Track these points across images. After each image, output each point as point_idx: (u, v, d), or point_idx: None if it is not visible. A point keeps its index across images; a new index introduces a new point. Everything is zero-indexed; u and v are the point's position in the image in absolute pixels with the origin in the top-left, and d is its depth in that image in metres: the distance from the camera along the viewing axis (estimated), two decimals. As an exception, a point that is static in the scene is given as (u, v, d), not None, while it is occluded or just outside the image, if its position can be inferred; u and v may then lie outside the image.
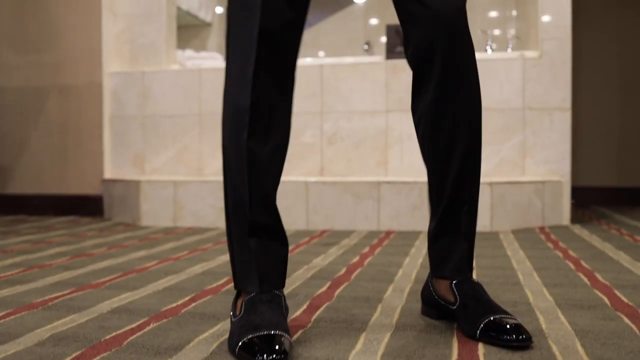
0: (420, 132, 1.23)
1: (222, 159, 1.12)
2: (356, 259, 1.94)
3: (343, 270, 1.74)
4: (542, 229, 2.63)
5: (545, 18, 2.78)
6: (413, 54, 1.19)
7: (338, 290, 1.48)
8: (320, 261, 1.90)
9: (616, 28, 3.85)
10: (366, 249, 2.13)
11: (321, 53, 4.09)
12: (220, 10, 4.00)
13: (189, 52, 3.26)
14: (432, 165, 1.23)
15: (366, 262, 1.88)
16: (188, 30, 3.83)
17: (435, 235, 1.23)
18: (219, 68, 3.06)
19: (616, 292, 1.43)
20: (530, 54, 2.85)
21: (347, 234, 2.55)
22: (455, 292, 1.17)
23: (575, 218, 2.90)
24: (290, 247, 2.18)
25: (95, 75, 3.18)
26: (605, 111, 3.86)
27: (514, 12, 3.85)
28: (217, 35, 3.96)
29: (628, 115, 3.85)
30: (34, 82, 3.26)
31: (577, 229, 2.61)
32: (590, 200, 3.80)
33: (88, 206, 3.18)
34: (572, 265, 1.78)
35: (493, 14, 3.92)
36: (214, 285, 1.56)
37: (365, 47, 3.89)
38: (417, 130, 1.25)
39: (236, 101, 1.07)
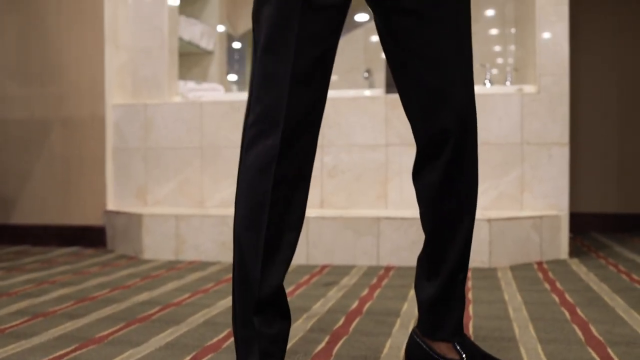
0: (423, 206, 1.27)
1: (234, 237, 1.14)
2: (355, 304, 1.96)
3: (342, 320, 1.77)
4: (540, 264, 2.66)
5: (543, 54, 2.81)
6: (423, 137, 1.23)
7: (336, 348, 1.51)
8: (319, 308, 1.93)
9: (615, 52, 3.88)
10: (365, 291, 2.16)
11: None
12: (222, 28, 4.04)
13: (190, 84, 3.30)
14: (433, 238, 1.27)
15: (365, 308, 1.91)
16: (190, 59, 3.87)
17: (434, 304, 1.26)
18: (220, 101, 3.09)
19: (609, 350, 1.45)
20: (529, 89, 2.88)
21: (347, 269, 2.58)
22: (460, 350, 1.24)
23: (574, 250, 2.92)
24: (290, 288, 2.22)
25: (98, 107, 3.22)
26: (604, 136, 3.89)
27: (512, 46, 3.88)
28: (219, 64, 4.00)
29: (628, 140, 3.87)
30: (38, 114, 3.30)
31: (575, 265, 2.63)
32: (590, 227, 3.82)
33: (91, 237, 3.21)
34: (567, 315, 1.80)
35: (492, 47, 3.95)
36: (215, 340, 1.59)
37: (366, 74, 3.92)
38: (419, 200, 1.28)
39: (254, 197, 1.10)
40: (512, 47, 3.90)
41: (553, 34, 2.80)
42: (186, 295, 2.12)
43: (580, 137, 3.85)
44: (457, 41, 1.21)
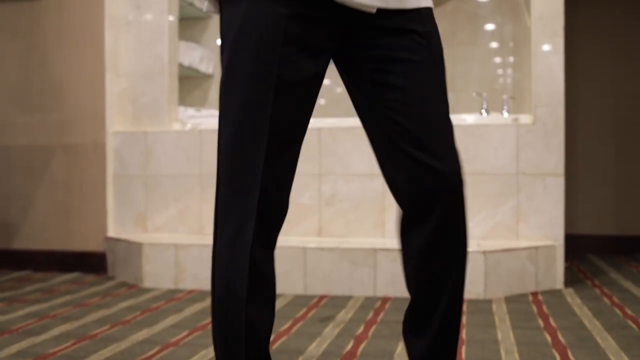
0: (409, 266, 1.28)
1: (212, 303, 1.17)
2: (350, 345, 2.00)
3: (336, 366, 1.80)
4: (535, 295, 2.69)
5: (539, 85, 2.84)
6: (407, 202, 1.24)
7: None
8: (314, 349, 1.96)
9: (612, 75, 3.90)
10: (361, 329, 2.19)
11: (322, 101, 4.15)
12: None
13: (190, 111, 3.33)
14: (418, 297, 1.28)
15: (359, 350, 1.94)
16: (189, 82, 3.91)
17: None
18: (219, 129, 3.12)
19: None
20: (524, 119, 2.91)
21: (344, 301, 2.61)
22: None
23: (569, 279, 2.95)
24: (287, 324, 2.26)
25: (99, 134, 3.26)
26: (602, 158, 3.92)
27: (510, 71, 3.91)
28: (218, 87, 4.03)
29: (625, 162, 3.90)
30: (39, 140, 3.34)
31: (570, 295, 2.66)
32: (588, 250, 3.85)
33: (92, 263, 3.25)
34: (558, 358, 1.83)
35: (490, 73, 3.98)
36: (211, 389, 1.62)
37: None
38: (403, 258, 1.30)
39: (228, 278, 1.12)
40: (510, 74, 3.92)
41: (548, 65, 2.83)
42: (185, 333, 2.15)
43: (577, 158, 3.87)
44: (443, 97, 1.22)
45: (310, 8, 1.10)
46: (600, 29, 3.92)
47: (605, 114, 3.92)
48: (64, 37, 3.31)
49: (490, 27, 3.99)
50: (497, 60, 3.97)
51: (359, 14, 1.13)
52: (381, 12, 1.14)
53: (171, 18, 3.31)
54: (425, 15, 1.20)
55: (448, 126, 1.21)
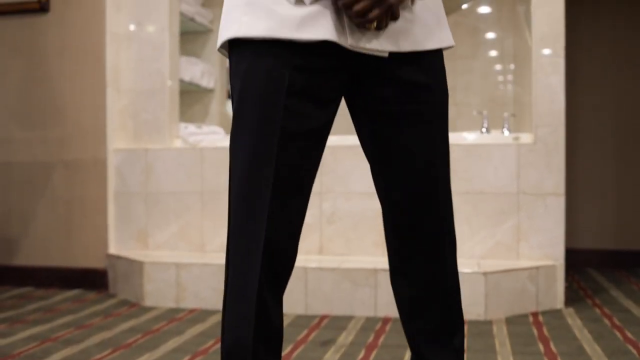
0: (402, 314, 1.29)
1: (221, 350, 1.17)
2: (351, 373, 2.00)
3: (337, 396, 1.80)
4: (535, 316, 2.69)
5: (539, 105, 2.84)
6: (393, 246, 1.26)
7: None
8: (316, 378, 1.96)
9: (613, 88, 3.91)
10: (362, 354, 2.19)
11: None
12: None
13: (191, 128, 3.33)
14: (418, 349, 1.28)
15: (360, 379, 1.95)
16: (190, 96, 3.91)
17: None
18: (220, 147, 3.13)
19: None
20: (525, 138, 2.91)
21: (345, 322, 2.62)
22: None
23: (570, 298, 2.95)
24: (288, 348, 2.26)
25: (99, 151, 3.26)
26: (602, 172, 3.92)
27: (510, 86, 3.91)
28: (219, 102, 4.03)
29: (626, 176, 3.90)
30: (40, 157, 3.34)
31: (570, 316, 2.67)
32: (588, 263, 3.85)
33: (93, 279, 3.26)
34: (559, 390, 1.84)
35: (489, 87, 3.98)
36: None
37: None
38: (397, 306, 1.30)
39: (237, 332, 1.12)
40: (511, 89, 3.93)
41: (549, 85, 2.83)
42: (186, 358, 2.15)
43: (578, 172, 3.88)
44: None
45: (317, 59, 1.10)
46: (601, 41, 3.92)
47: (606, 127, 3.92)
48: (65, 53, 3.32)
49: (491, 40, 3.99)
50: (498, 73, 3.97)
51: (369, 61, 1.13)
52: (391, 58, 1.13)
53: (172, 35, 3.32)
54: (436, 62, 1.19)
55: (443, 182, 1.22)
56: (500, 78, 3.97)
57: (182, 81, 3.51)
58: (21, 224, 3.38)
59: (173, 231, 3.22)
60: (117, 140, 3.32)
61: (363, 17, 1.05)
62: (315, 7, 1.07)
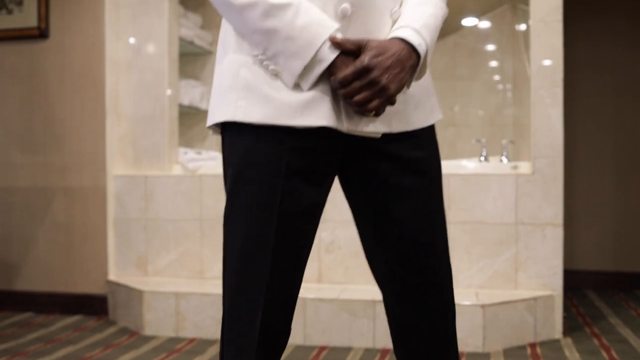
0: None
1: None
2: (348, 417, 2.01)
3: None
4: (533, 347, 2.70)
5: (538, 136, 2.85)
6: (395, 320, 1.26)
7: None
8: (313, 422, 1.97)
9: (611, 111, 3.91)
10: (359, 394, 2.20)
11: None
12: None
13: (190, 154, 3.34)
14: None
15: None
16: (190, 119, 3.92)
17: None
18: (219, 174, 3.14)
19: None
20: (524, 168, 2.92)
21: (343, 353, 2.63)
22: None
23: (568, 326, 2.95)
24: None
25: (99, 178, 3.27)
26: (602, 193, 3.92)
27: (510, 109, 3.91)
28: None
29: (625, 197, 3.90)
30: (40, 182, 3.35)
31: (568, 348, 2.67)
32: (587, 285, 3.86)
33: (93, 305, 3.27)
34: None
35: (489, 108, 3.98)
36: None
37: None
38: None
39: None
40: (510, 111, 3.93)
41: (548, 117, 2.84)
42: (184, 399, 2.17)
43: (577, 194, 3.88)
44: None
45: (314, 141, 1.10)
46: (600, 63, 3.92)
47: (605, 149, 3.92)
48: (65, 79, 3.33)
49: (490, 61, 4.00)
50: (497, 95, 3.97)
51: (364, 140, 1.14)
52: (385, 136, 1.14)
53: (171, 61, 3.32)
54: (428, 136, 1.20)
55: (442, 252, 1.21)
56: (500, 99, 3.98)
57: (181, 105, 3.52)
58: (21, 249, 3.39)
59: (172, 258, 3.23)
60: (117, 166, 3.33)
61: (363, 106, 1.06)
62: (312, 93, 1.07)
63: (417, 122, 1.17)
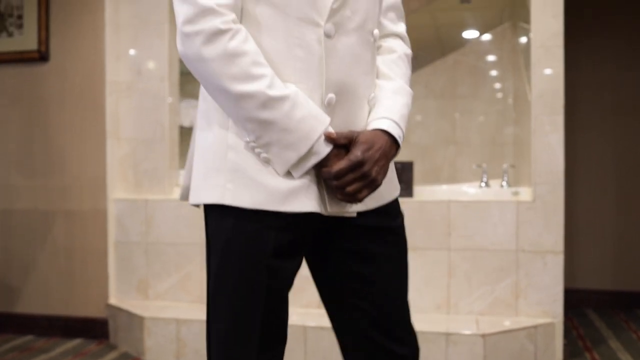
0: None
1: None
2: None
3: None
4: (534, 376, 2.71)
5: (538, 163, 2.84)
6: None
7: None
8: None
9: (612, 131, 3.91)
10: None
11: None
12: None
13: (191, 177, 3.34)
14: None
15: None
16: (190, 137, 3.91)
17: None
18: (220, 199, 3.13)
19: None
20: (524, 195, 2.92)
21: (344, 384, 2.63)
22: None
23: (569, 353, 2.96)
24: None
25: (99, 201, 3.27)
26: (602, 213, 3.92)
27: (510, 128, 3.91)
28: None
29: (626, 217, 3.90)
30: (41, 205, 3.35)
31: (569, 377, 2.68)
32: (587, 304, 3.86)
33: (94, 329, 3.27)
34: None
35: (489, 127, 3.98)
36: None
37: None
38: None
39: None
40: (510, 130, 3.93)
41: (548, 144, 2.84)
42: None
43: (578, 213, 3.88)
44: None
45: (297, 221, 1.13)
46: (601, 83, 3.91)
47: (606, 168, 3.92)
48: (65, 102, 3.32)
49: (491, 79, 3.99)
50: (498, 113, 3.97)
51: (341, 218, 1.19)
52: (360, 212, 1.20)
53: (171, 84, 3.32)
54: (396, 206, 1.27)
55: (408, 312, 1.28)
56: (500, 117, 3.97)
57: (182, 127, 3.52)
58: (22, 271, 3.39)
59: (173, 282, 3.23)
60: (117, 190, 3.33)
61: (352, 196, 1.10)
62: (300, 180, 1.10)
63: (387, 196, 1.24)
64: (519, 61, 3.76)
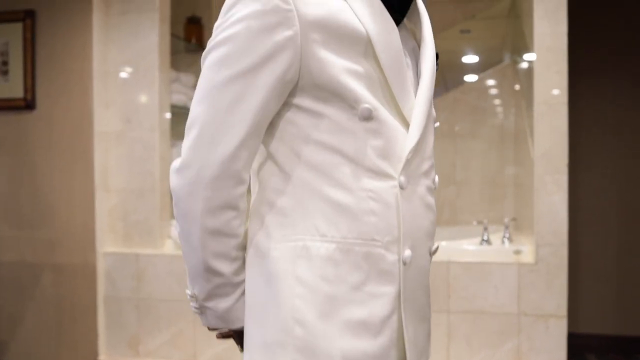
0: None
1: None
2: None
3: None
4: None
5: (541, 224, 2.76)
6: None
7: None
8: None
9: (615, 169, 3.82)
10: None
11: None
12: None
13: (183, 228, 3.24)
14: None
15: None
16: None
17: None
18: (212, 254, 3.04)
19: None
20: (526, 257, 2.83)
21: None
22: None
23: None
24: None
25: (89, 254, 3.17)
26: (604, 257, 3.84)
27: (511, 168, 3.82)
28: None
29: (627, 261, 3.82)
30: (29, 258, 3.25)
31: None
32: (588, 349, 3.79)
33: (84, 386, 3.19)
34: None
35: (489, 166, 3.89)
36: None
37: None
38: None
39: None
40: (512, 171, 3.83)
41: (551, 204, 2.75)
42: None
43: (580, 257, 3.79)
44: None
45: None
46: (603, 123, 3.82)
47: (609, 213, 3.83)
48: (53, 151, 3.22)
49: (491, 118, 3.90)
50: (498, 152, 3.88)
51: None
52: None
53: (162, 133, 3.22)
54: None
55: None
56: (501, 156, 3.88)
57: (173, 173, 3.42)
58: (9, 325, 3.30)
59: (165, 339, 3.14)
60: (107, 242, 3.23)
61: None
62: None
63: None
64: (520, 102, 3.66)
